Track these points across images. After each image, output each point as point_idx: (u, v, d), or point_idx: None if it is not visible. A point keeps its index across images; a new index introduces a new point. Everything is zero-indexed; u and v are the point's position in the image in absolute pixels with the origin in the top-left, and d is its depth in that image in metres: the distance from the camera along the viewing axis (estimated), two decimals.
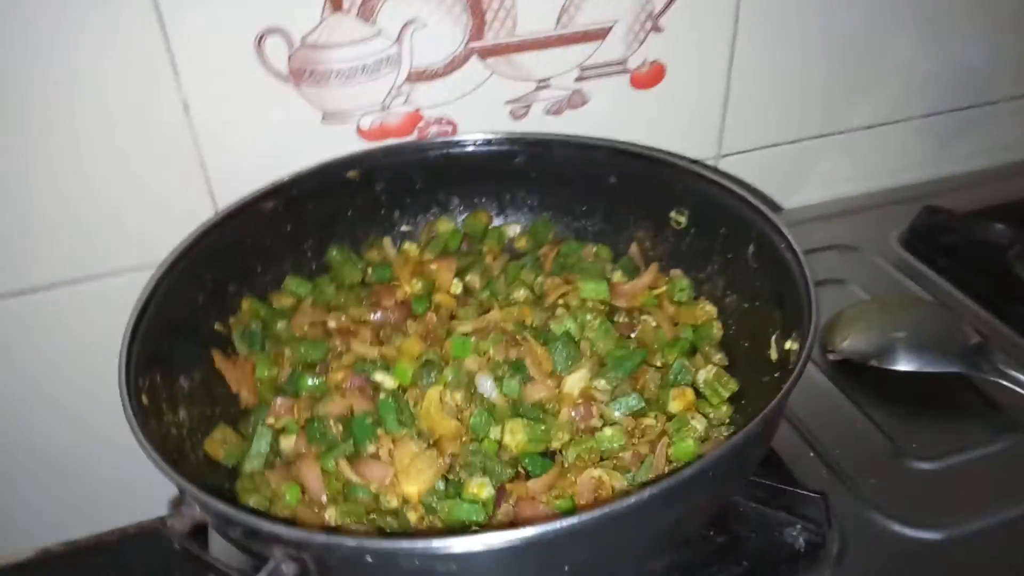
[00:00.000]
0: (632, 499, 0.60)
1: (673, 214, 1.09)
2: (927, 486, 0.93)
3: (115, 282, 1.14)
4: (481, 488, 0.81)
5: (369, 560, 0.60)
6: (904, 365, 1.04)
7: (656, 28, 1.19)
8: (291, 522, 0.79)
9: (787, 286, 0.87)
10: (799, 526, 0.86)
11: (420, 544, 0.59)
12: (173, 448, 0.83)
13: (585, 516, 0.59)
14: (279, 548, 0.63)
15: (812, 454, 0.97)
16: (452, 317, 1.08)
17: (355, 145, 1.15)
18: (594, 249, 1.14)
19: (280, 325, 1.03)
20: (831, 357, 1.10)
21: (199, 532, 0.69)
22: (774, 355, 0.90)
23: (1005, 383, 0.99)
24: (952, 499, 0.91)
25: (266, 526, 0.61)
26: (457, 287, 1.12)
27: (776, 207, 1.46)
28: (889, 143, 1.48)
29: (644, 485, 0.62)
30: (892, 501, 0.91)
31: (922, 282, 1.25)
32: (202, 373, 0.95)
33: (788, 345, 0.86)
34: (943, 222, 1.34)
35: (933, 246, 1.32)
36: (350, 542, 0.60)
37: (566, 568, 0.64)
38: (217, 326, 1.00)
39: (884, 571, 0.84)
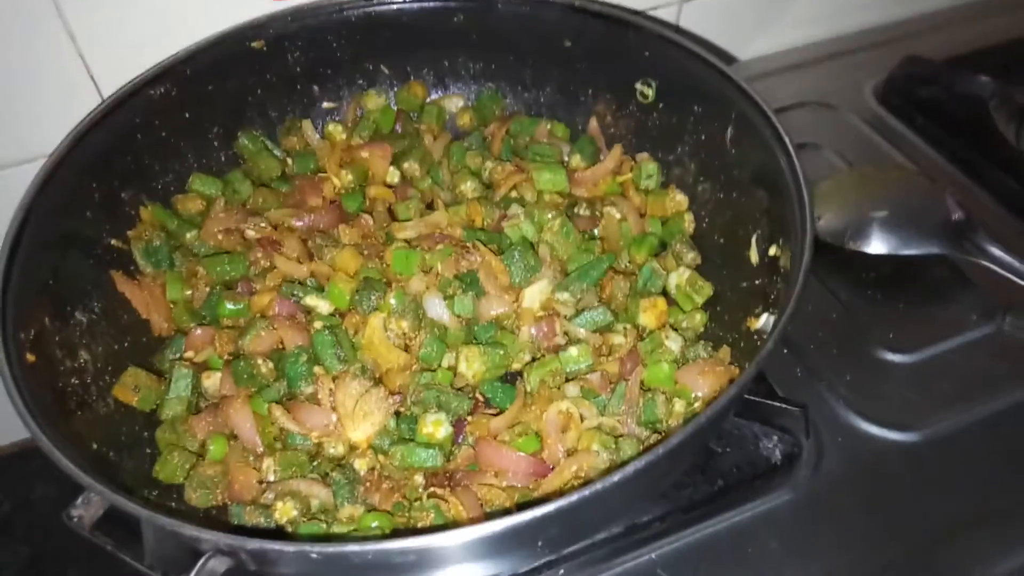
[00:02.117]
0: (612, 478, 0.52)
1: (639, 86, 0.95)
2: (904, 382, 0.88)
3: None
4: (437, 426, 0.73)
5: (315, 557, 0.52)
6: (883, 247, 0.96)
7: None
8: (218, 521, 0.70)
9: (772, 184, 0.76)
10: (775, 438, 0.81)
11: (371, 547, 0.50)
12: (75, 402, 0.72)
13: (552, 506, 0.51)
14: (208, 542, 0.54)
15: (786, 350, 0.91)
16: (390, 211, 0.95)
17: (258, 7, 0.95)
18: (548, 126, 1.00)
19: (189, 235, 0.89)
20: None
21: (110, 519, 0.60)
22: (754, 258, 0.81)
23: (988, 264, 0.93)
24: (930, 395, 0.86)
25: (188, 531, 0.52)
26: (394, 176, 0.98)
27: (733, 60, 1.32)
28: None
29: (618, 465, 0.53)
30: (869, 400, 0.86)
31: (900, 144, 1.15)
32: (103, 301, 0.81)
33: (773, 251, 0.77)
34: (922, 73, 1.22)
35: (911, 101, 1.21)
36: (288, 548, 0.51)
37: (539, 544, 0.57)
38: (114, 242, 0.86)
39: (861, 478, 0.81)
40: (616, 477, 0.51)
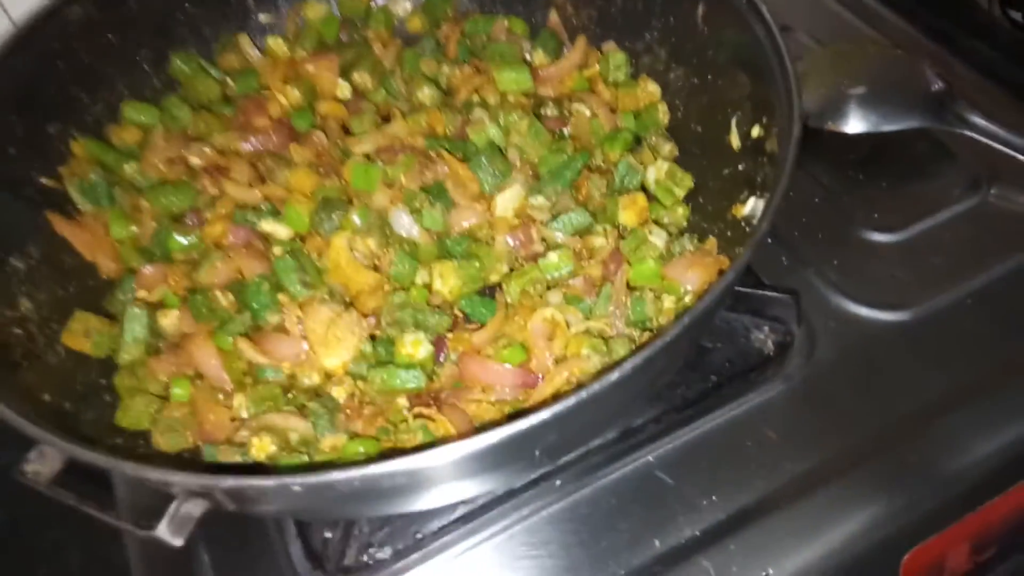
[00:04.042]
0: (612, 376, 0.48)
1: None
2: (892, 261, 0.86)
3: None
4: (416, 346, 0.69)
5: (298, 489, 0.48)
6: (862, 125, 0.93)
7: None
8: (190, 459, 0.65)
9: (751, 62, 0.71)
10: (767, 328, 0.78)
11: (358, 472, 0.47)
12: (20, 353, 0.66)
13: (552, 409, 0.47)
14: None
15: (770, 239, 0.88)
16: (345, 130, 0.88)
17: None
18: (505, 23, 0.93)
19: (128, 168, 0.82)
20: None
21: (71, 472, 0.55)
22: (736, 142, 0.76)
23: (971, 134, 0.90)
24: (919, 273, 0.84)
25: (153, 474, 0.48)
26: (344, 89, 0.91)
27: None
28: None
29: (612, 365, 0.50)
30: (858, 283, 0.84)
31: (872, 20, 1.10)
32: (40, 246, 0.75)
33: (756, 132, 0.72)
34: None
35: None
36: (268, 482, 0.47)
37: (537, 453, 0.54)
38: (45, 180, 0.79)
39: (854, 361, 0.79)
40: (616, 375, 0.48)
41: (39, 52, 0.78)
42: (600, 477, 0.71)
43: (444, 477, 0.53)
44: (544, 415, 0.47)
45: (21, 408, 0.53)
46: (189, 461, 0.65)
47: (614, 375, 0.48)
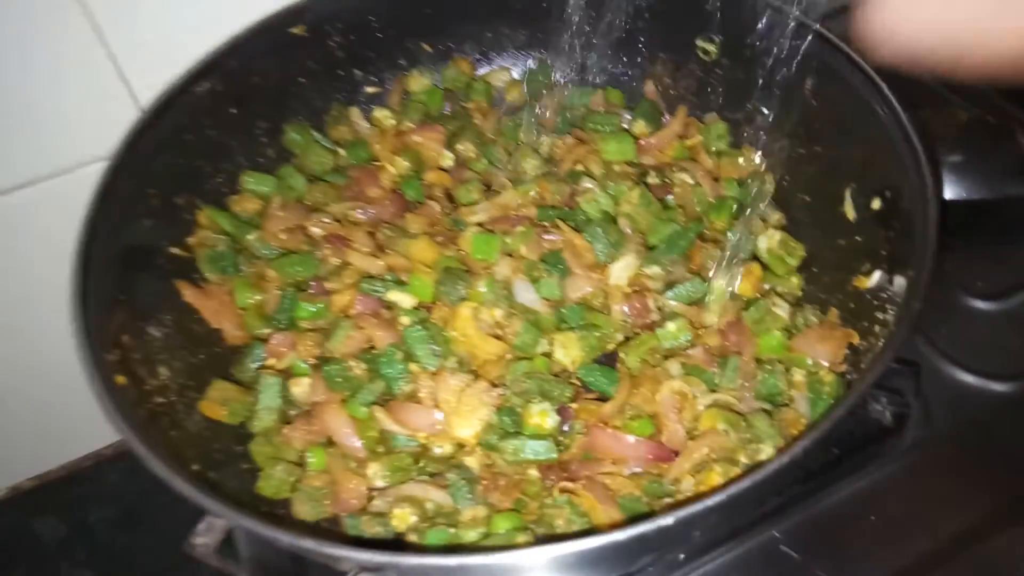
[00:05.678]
0: (781, 460, 0.49)
1: (700, 42, 0.90)
2: (1000, 330, 0.86)
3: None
4: (543, 416, 0.70)
5: (476, 568, 0.49)
6: (956, 192, 0.94)
7: None
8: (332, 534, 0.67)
9: (867, 134, 0.73)
10: (884, 399, 0.78)
11: (546, 551, 0.47)
12: (167, 422, 0.68)
13: (724, 493, 0.48)
14: None
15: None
16: (448, 196, 0.91)
17: None
18: (602, 93, 0.96)
19: (251, 237, 0.84)
20: None
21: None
22: (851, 213, 0.78)
23: None
24: None
25: (339, 552, 0.49)
26: (448, 159, 0.94)
27: None
28: None
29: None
30: (968, 352, 0.84)
31: (956, 87, 1.12)
32: (172, 313, 0.77)
33: (875, 205, 0.74)
34: None
35: None
36: (449, 562, 0.48)
37: (696, 533, 0.54)
38: (175, 250, 0.81)
39: (972, 434, 0.79)
40: (789, 455, 0.49)
41: (172, 126, 0.81)
42: (725, 552, 0.71)
43: (601, 558, 0.54)
44: (721, 496, 0.47)
45: (190, 479, 0.55)
46: (329, 531, 0.66)
47: (787, 456, 0.49)
